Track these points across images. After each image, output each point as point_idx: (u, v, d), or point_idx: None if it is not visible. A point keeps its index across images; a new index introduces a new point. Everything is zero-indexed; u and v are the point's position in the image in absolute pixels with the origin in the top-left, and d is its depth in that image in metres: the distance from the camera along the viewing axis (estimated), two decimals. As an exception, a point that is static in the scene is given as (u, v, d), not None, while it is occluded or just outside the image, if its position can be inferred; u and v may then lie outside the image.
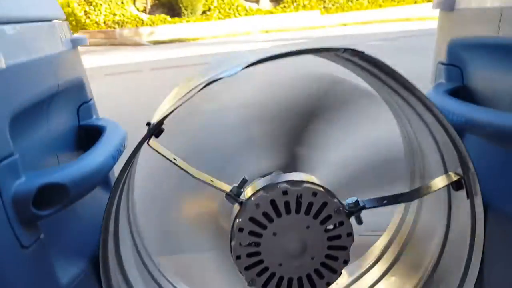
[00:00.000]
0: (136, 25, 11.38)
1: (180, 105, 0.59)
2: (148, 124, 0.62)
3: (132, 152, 0.58)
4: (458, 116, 0.62)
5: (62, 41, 0.68)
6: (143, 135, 0.62)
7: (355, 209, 0.68)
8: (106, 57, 7.67)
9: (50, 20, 0.66)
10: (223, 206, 0.72)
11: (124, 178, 0.60)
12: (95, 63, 6.63)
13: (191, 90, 0.64)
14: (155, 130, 0.61)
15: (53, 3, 0.71)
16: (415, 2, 12.89)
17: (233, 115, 0.80)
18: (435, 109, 0.60)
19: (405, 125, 0.76)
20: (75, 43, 0.72)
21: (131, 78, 5.24)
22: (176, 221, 0.78)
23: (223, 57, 0.81)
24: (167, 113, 0.60)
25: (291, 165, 0.76)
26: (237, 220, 0.66)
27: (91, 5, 11.71)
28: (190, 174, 0.66)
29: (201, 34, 10.88)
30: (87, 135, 0.75)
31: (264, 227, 0.65)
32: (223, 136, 0.82)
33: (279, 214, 0.65)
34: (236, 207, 0.68)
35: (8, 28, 0.52)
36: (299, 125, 0.72)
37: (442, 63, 0.78)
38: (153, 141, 0.63)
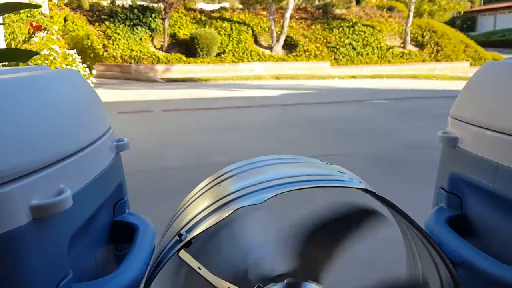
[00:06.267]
0: (152, 62, 11.71)
1: (214, 224, 0.66)
2: (180, 235, 0.69)
3: (158, 267, 0.63)
4: (457, 254, 0.69)
5: (110, 152, 0.75)
6: (172, 245, 0.68)
7: (358, 322, 0.74)
8: (121, 92, 7.86)
9: (103, 135, 0.73)
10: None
11: None
12: (109, 98, 6.85)
13: (221, 206, 0.71)
14: (186, 243, 0.68)
15: (102, 115, 0.77)
16: (423, 61, 13.26)
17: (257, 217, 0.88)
18: (438, 247, 0.67)
19: (410, 242, 0.83)
20: (119, 149, 0.80)
21: (142, 119, 5.36)
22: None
23: (252, 163, 0.88)
24: (201, 229, 0.67)
25: (302, 268, 0.83)
26: (247, 326, 0.73)
27: (110, 39, 12.11)
28: (210, 283, 0.73)
29: (213, 75, 11.18)
30: (119, 229, 0.81)
31: (273, 335, 0.72)
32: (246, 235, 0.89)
33: (287, 325, 0.72)
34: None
35: (72, 161, 0.57)
36: (318, 236, 0.79)
37: (444, 189, 0.85)
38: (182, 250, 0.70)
